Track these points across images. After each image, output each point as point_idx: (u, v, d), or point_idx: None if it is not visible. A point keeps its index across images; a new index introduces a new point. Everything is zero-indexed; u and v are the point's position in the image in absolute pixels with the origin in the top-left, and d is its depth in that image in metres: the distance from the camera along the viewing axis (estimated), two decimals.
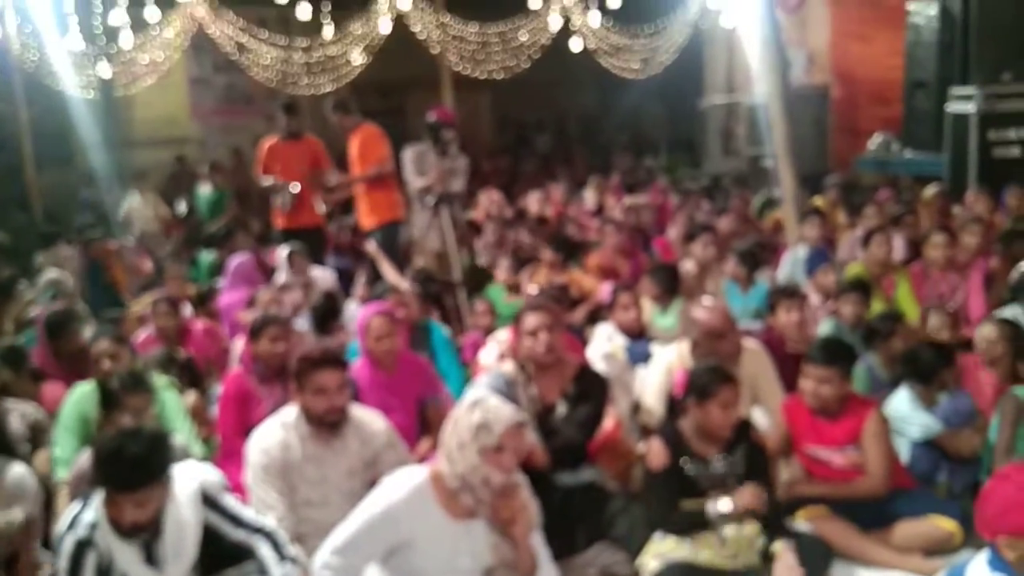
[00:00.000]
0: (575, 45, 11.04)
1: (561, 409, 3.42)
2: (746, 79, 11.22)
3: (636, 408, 4.04)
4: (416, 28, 10.41)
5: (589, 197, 9.44)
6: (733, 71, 12.63)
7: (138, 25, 8.31)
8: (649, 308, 4.96)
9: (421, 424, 3.98)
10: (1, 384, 4.04)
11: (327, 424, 3.19)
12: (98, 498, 2.66)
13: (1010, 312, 4.55)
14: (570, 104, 16.17)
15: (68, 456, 3.65)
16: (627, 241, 6.44)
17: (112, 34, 7.81)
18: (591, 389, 3.48)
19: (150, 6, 7.49)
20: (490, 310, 5.39)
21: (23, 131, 10.32)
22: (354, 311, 5.53)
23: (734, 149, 12.53)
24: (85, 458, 3.23)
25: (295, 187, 6.84)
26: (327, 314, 5.35)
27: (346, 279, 6.74)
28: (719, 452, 3.18)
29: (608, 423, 3.62)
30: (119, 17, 7.27)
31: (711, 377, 3.15)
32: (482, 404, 2.59)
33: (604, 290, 5.07)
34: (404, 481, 2.65)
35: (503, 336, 4.40)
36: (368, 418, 3.34)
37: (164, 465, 2.66)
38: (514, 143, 16.02)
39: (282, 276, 6.22)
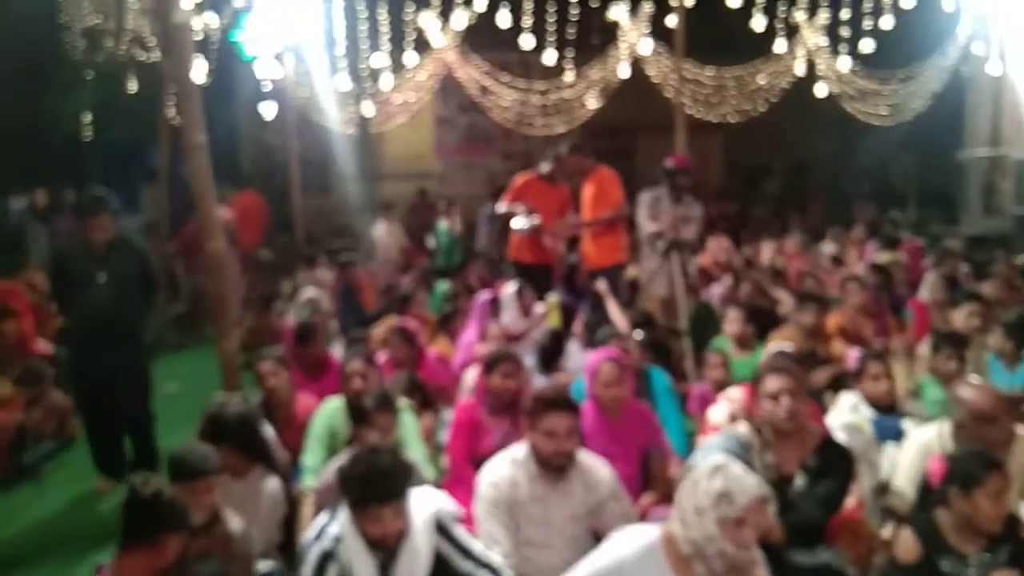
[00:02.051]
0: (820, 90, 10.55)
1: (800, 482, 3.21)
2: (1016, 131, 10.24)
3: (881, 489, 3.71)
4: (652, 72, 10.46)
5: (828, 249, 8.92)
6: (1000, 121, 11.53)
7: (396, 67, 9.01)
8: (903, 378, 4.55)
9: (644, 476, 3.90)
10: (269, 389, 4.43)
11: (554, 467, 3.20)
12: (344, 512, 2.83)
13: None
14: (806, 149, 15.48)
15: (316, 465, 3.94)
16: (872, 301, 5.97)
17: (374, 75, 8.48)
18: (835, 463, 3.24)
19: (409, 51, 8.06)
20: (723, 363, 5.19)
21: (293, 161, 11.47)
22: (575, 350, 5.55)
23: (998, 206, 11.43)
24: (332, 470, 3.44)
25: (537, 218, 7.02)
26: (553, 352, 5.42)
27: (569, 316, 6.81)
28: (980, 550, 2.86)
29: (849, 502, 3.35)
30: (381, 60, 7.87)
31: (978, 464, 2.89)
32: (725, 471, 2.48)
33: (852, 356, 4.70)
34: (635, 538, 2.59)
35: (735, 394, 4.22)
36: (595, 465, 3.33)
37: (410, 482, 2.81)
38: (743, 188, 15.57)
39: (508, 311, 6.40)
